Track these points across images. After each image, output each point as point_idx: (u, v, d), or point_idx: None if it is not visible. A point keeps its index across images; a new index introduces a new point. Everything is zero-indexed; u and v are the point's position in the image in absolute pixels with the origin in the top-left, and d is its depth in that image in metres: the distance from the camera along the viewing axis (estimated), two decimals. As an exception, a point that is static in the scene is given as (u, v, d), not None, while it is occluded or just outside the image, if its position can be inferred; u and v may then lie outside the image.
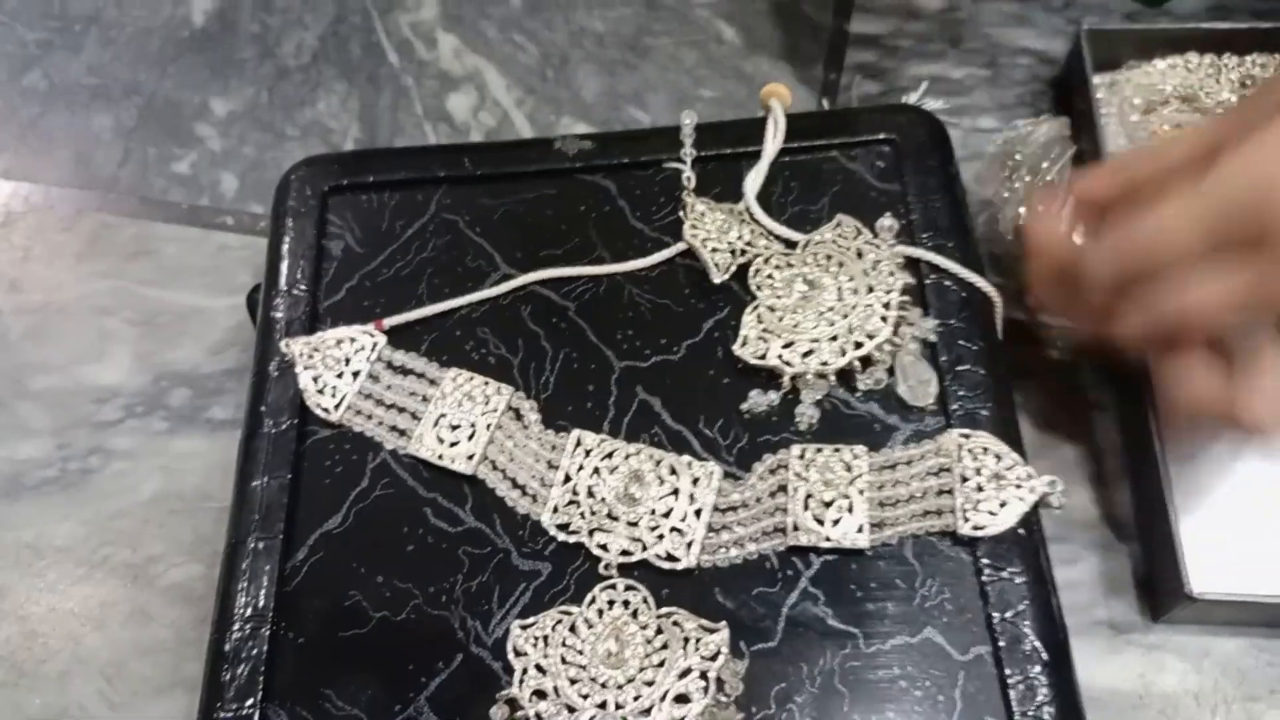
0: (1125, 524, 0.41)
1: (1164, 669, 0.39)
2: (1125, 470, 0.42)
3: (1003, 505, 0.34)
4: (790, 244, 0.40)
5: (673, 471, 0.36)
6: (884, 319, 0.38)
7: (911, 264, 0.39)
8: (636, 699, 0.32)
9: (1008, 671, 0.32)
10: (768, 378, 0.38)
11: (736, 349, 0.38)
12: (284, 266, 0.42)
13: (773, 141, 0.42)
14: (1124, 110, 0.49)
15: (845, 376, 0.37)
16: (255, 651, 0.35)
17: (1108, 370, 0.44)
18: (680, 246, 0.41)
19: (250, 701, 0.34)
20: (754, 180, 0.41)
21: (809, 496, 0.35)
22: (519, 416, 0.38)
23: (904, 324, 0.38)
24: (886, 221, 0.40)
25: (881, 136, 0.43)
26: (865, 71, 0.54)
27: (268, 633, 0.35)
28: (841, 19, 0.56)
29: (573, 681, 0.33)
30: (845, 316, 0.38)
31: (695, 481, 0.36)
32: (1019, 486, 0.34)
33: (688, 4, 0.58)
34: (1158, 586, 0.39)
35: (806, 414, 0.37)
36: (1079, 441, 0.43)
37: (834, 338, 0.37)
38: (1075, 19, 0.53)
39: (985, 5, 0.55)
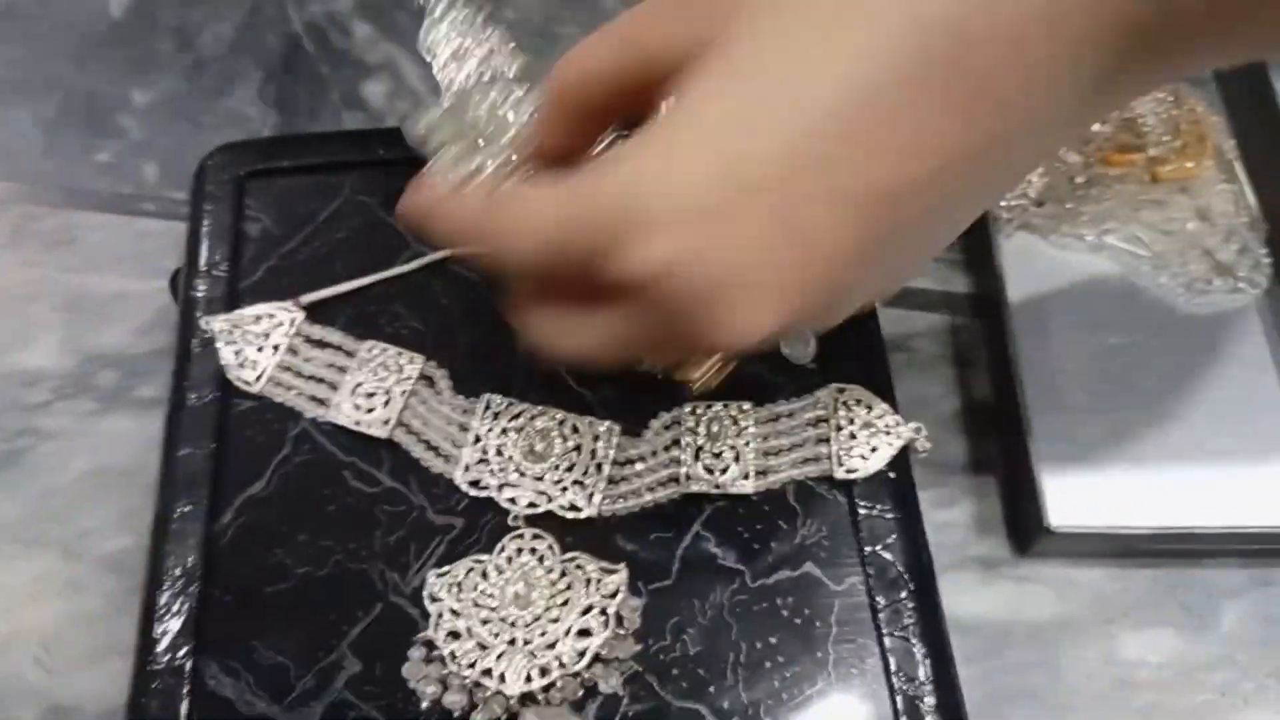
0: (995, 469, 0.45)
1: (1031, 599, 0.43)
2: (995, 421, 0.46)
3: (873, 450, 0.38)
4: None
5: (575, 430, 0.39)
6: (767, 285, 0.41)
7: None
8: (543, 635, 0.35)
9: (877, 598, 0.36)
10: (662, 341, 0.41)
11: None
12: (203, 248, 0.44)
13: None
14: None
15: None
16: (186, 608, 0.37)
17: (980, 331, 0.48)
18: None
19: (183, 653, 0.36)
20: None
21: (700, 449, 0.38)
22: (432, 384, 0.41)
23: None
24: None
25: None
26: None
27: (196, 590, 0.37)
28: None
29: (484, 622, 0.36)
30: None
31: (596, 438, 0.39)
32: (888, 433, 0.38)
33: (594, -7, 0.60)
34: (1022, 523, 0.43)
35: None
36: (955, 396, 0.47)
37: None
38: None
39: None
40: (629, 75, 0.28)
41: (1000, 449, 0.45)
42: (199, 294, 0.43)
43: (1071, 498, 0.43)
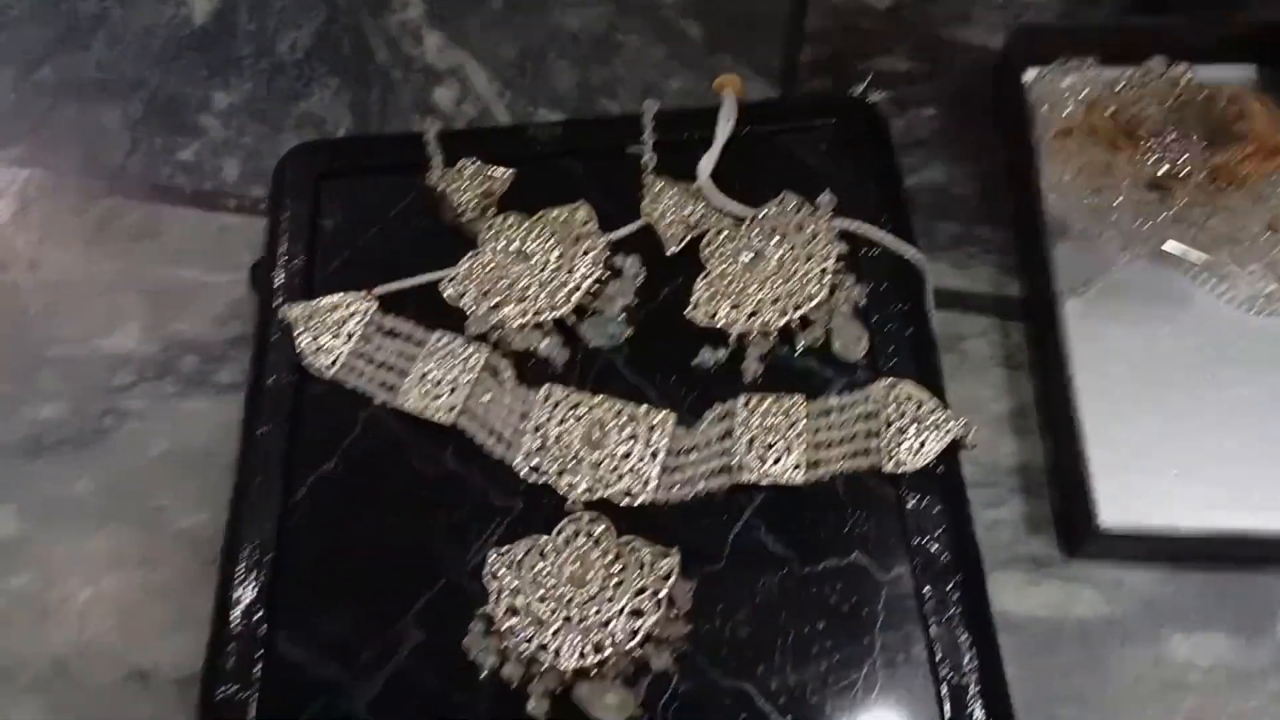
0: (1046, 470, 0.46)
1: (1080, 599, 0.43)
2: (1045, 422, 0.47)
3: (922, 444, 0.39)
4: (739, 219, 0.45)
5: (631, 419, 0.41)
6: (821, 284, 0.42)
7: (849, 236, 0.44)
8: (597, 613, 0.37)
9: (924, 589, 0.37)
10: (717, 337, 0.42)
11: (688, 312, 0.42)
12: (282, 241, 0.47)
13: (725, 126, 0.46)
14: (1056, 104, 0.53)
15: (786, 335, 0.42)
16: (260, 578, 0.39)
17: (1032, 334, 0.48)
18: (641, 222, 0.45)
19: (256, 619, 0.38)
20: (707, 162, 0.46)
21: (752, 440, 0.39)
22: (496, 373, 0.43)
23: (839, 289, 0.42)
24: (825, 198, 0.44)
25: (824, 123, 0.47)
26: (818, 65, 0.58)
27: (270, 562, 0.39)
28: (798, 17, 0.60)
29: (541, 599, 0.37)
30: (786, 282, 0.42)
31: (652, 428, 0.40)
32: (937, 428, 0.39)
33: (655, 4, 0.62)
34: (1073, 524, 0.44)
35: (751, 367, 0.41)
36: (1007, 398, 0.48)
37: (775, 300, 0.42)
38: (1015, 15, 0.57)
39: (930, 3, 0.60)
40: None
41: (1051, 450, 0.46)
42: (278, 284, 0.45)
43: (1122, 499, 0.44)
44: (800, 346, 0.42)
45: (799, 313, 0.42)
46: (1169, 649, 0.42)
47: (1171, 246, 0.49)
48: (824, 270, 0.42)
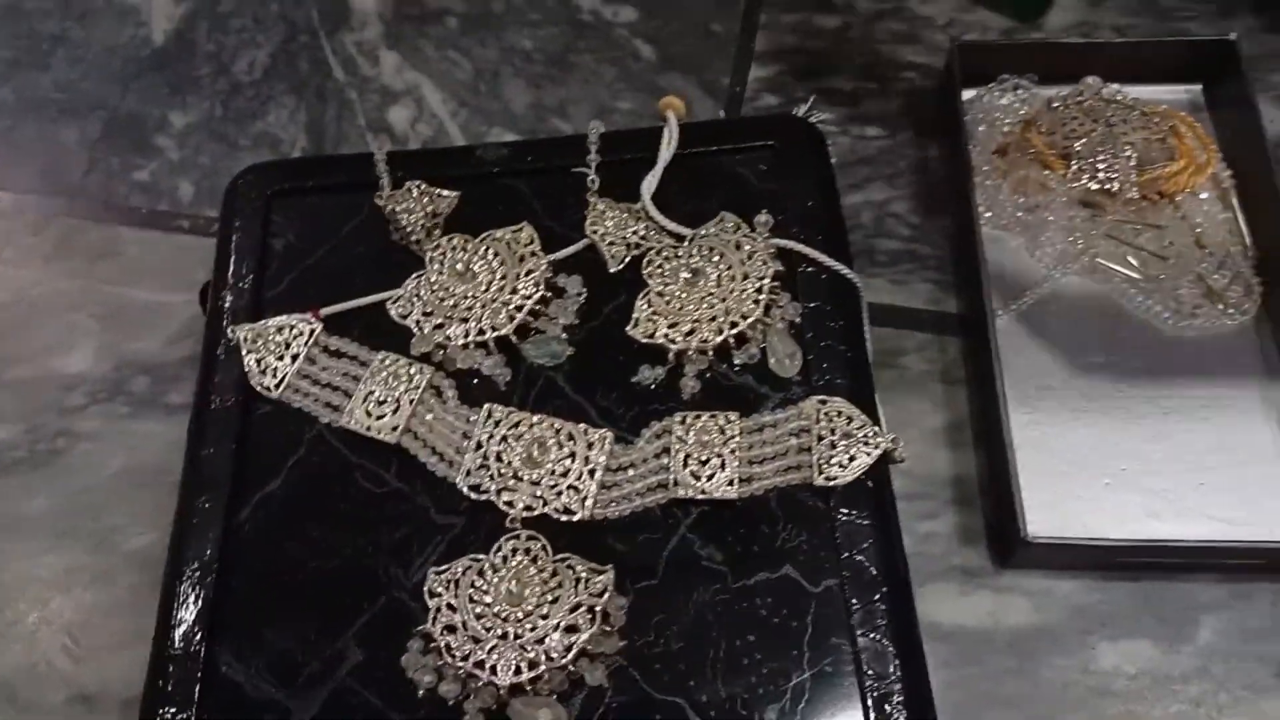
0: (978, 483, 0.47)
1: (1011, 608, 0.45)
2: (978, 435, 0.48)
3: (851, 459, 0.39)
4: (679, 238, 0.45)
5: (570, 438, 0.41)
6: (756, 302, 0.43)
7: (786, 254, 0.45)
8: (532, 630, 0.37)
9: (851, 600, 0.38)
10: (656, 354, 0.43)
11: (629, 330, 0.43)
12: (232, 262, 0.47)
13: (667, 148, 0.47)
14: (993, 123, 0.55)
15: (723, 352, 0.43)
16: (203, 596, 0.39)
17: (966, 348, 0.50)
18: (584, 243, 0.46)
19: (198, 639, 0.39)
20: (650, 182, 0.47)
21: (688, 456, 0.40)
22: (439, 393, 0.43)
23: (774, 306, 0.43)
24: (762, 217, 0.45)
25: (765, 143, 0.48)
26: (767, 85, 0.59)
27: (213, 580, 0.40)
28: (747, 37, 0.61)
29: (478, 617, 0.38)
30: (723, 300, 0.43)
31: (590, 446, 0.41)
32: (866, 443, 0.40)
33: (609, 24, 0.63)
34: (1003, 535, 0.45)
35: (689, 385, 0.42)
36: (942, 412, 0.49)
37: (713, 319, 0.43)
38: (955, 36, 0.59)
39: (875, 24, 0.61)
40: None
41: (983, 463, 0.47)
42: (226, 304, 0.46)
43: (1052, 510, 0.45)
44: (737, 364, 0.42)
45: (734, 330, 0.43)
46: (1096, 656, 0.43)
47: (1102, 262, 0.50)
48: (759, 288, 0.43)
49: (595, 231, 0.45)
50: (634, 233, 0.46)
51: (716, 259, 0.44)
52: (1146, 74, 0.55)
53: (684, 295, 0.44)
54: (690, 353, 0.43)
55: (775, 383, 0.42)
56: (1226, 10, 0.58)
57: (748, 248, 0.44)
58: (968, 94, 0.55)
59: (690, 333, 0.43)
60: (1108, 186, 0.50)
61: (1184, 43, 0.55)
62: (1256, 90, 0.52)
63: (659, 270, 0.45)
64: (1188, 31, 0.57)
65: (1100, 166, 0.51)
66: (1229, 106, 0.53)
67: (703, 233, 0.45)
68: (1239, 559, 0.44)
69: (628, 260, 0.45)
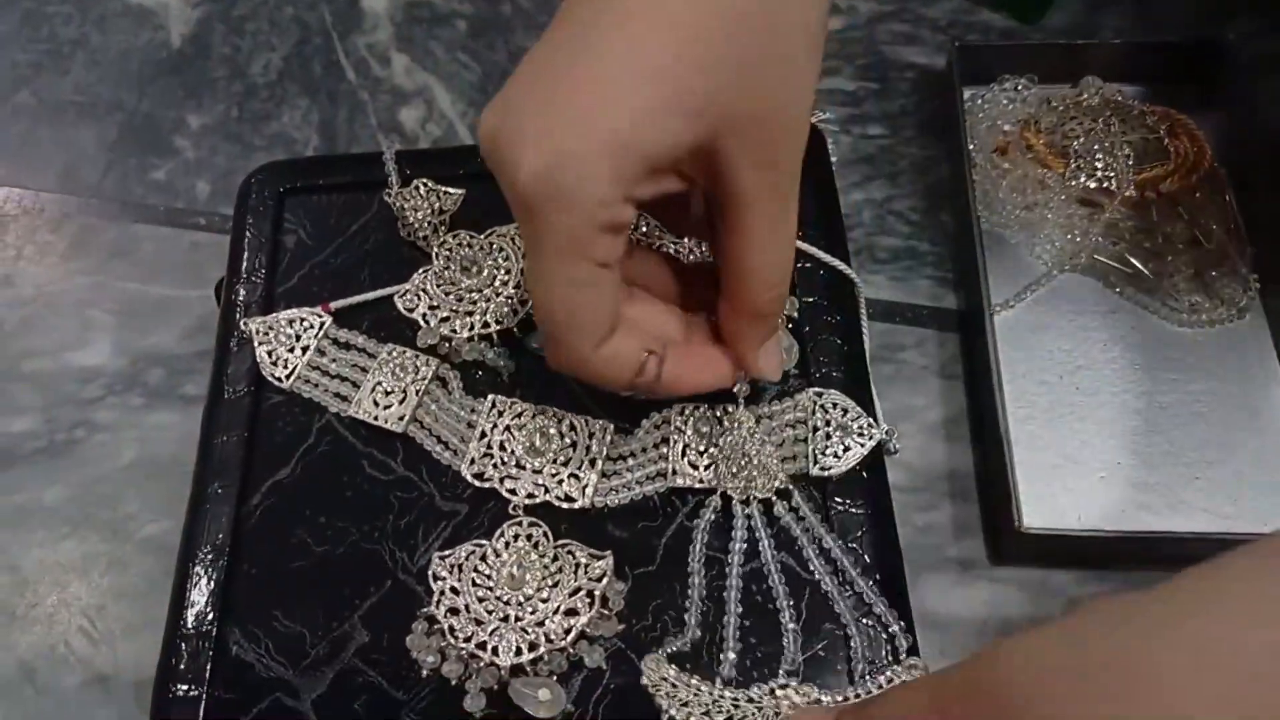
0: (975, 476, 0.48)
1: (1005, 600, 0.45)
2: (975, 431, 0.48)
3: (846, 449, 0.40)
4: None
5: (572, 428, 0.42)
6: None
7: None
8: (533, 613, 0.38)
9: (845, 588, 0.38)
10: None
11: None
12: (245, 257, 0.48)
13: (669, 146, 0.48)
14: (994, 124, 0.55)
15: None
16: (214, 580, 0.41)
17: (964, 346, 0.50)
18: (587, 237, 0.47)
19: (209, 620, 0.40)
20: (650, 180, 0.47)
21: (686, 446, 0.41)
22: (444, 384, 0.44)
23: None
24: None
25: (765, 142, 0.49)
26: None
27: (224, 565, 0.41)
28: (750, 39, 0.62)
29: (481, 600, 0.39)
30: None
31: (591, 435, 0.42)
32: (861, 434, 0.41)
33: (615, 26, 0.64)
34: (999, 527, 0.46)
35: None
36: (940, 406, 0.49)
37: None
38: (957, 37, 0.59)
39: (878, 25, 0.62)
40: None
41: (980, 456, 0.48)
42: (239, 298, 0.47)
43: (1047, 503, 0.46)
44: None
45: (732, 324, 0.43)
46: (1091, 647, 0.44)
47: (1100, 260, 0.51)
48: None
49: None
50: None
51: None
52: (1145, 74, 0.56)
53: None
54: (690, 345, 0.43)
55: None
56: (1225, 11, 0.59)
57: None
58: (968, 94, 0.55)
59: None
60: (1105, 185, 0.51)
61: (1181, 43, 0.56)
62: (1254, 90, 0.53)
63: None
64: (1185, 31, 0.58)
65: (1098, 165, 0.51)
66: (1227, 106, 0.54)
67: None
68: (1232, 551, 0.44)
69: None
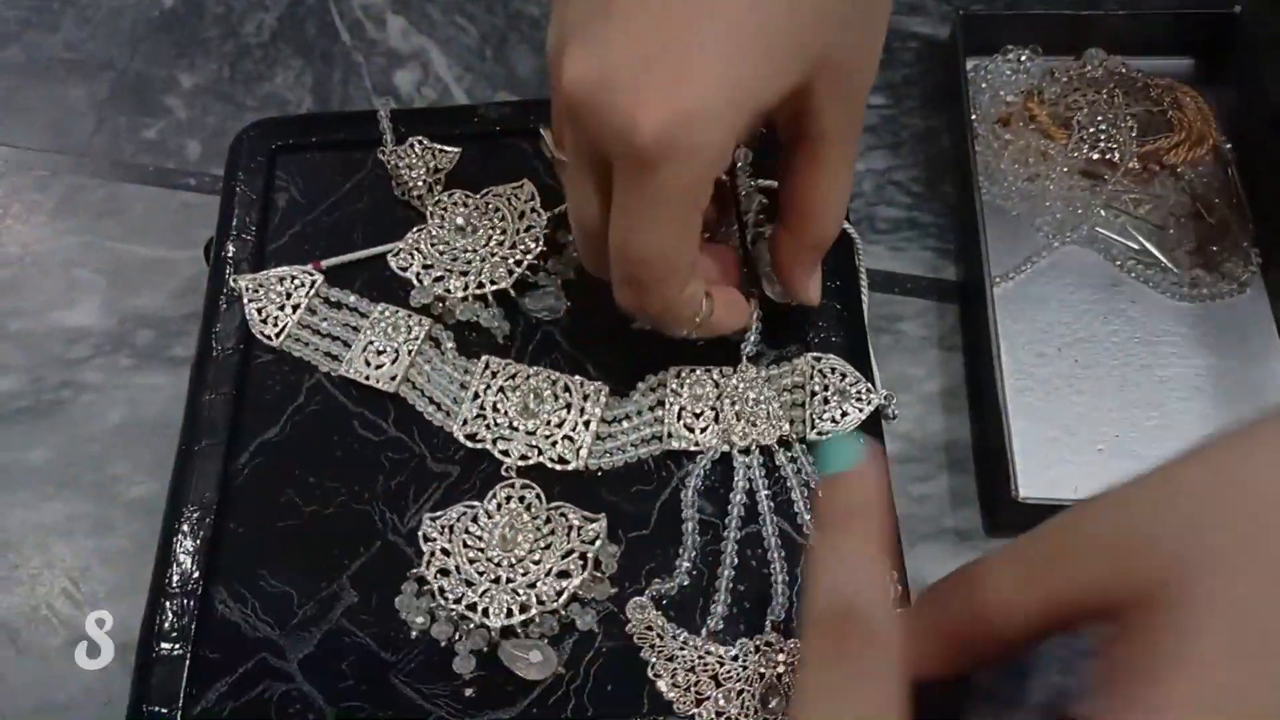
0: (973, 448, 0.47)
1: (1001, 570, 0.45)
2: (973, 402, 0.48)
3: (844, 414, 0.40)
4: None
5: (566, 389, 0.42)
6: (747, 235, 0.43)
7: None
8: (524, 575, 0.38)
9: (841, 552, 0.38)
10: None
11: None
12: (235, 214, 0.48)
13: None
14: (997, 94, 0.55)
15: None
16: (201, 538, 0.40)
17: (963, 317, 0.50)
18: (584, 199, 0.46)
19: (195, 578, 0.39)
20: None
21: (682, 409, 0.41)
22: (437, 344, 0.44)
23: (760, 238, 0.43)
24: (740, 153, 0.45)
25: (766, 106, 0.48)
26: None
27: (211, 522, 0.40)
28: (752, 6, 0.61)
29: (471, 561, 0.38)
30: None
31: (585, 398, 0.42)
32: (859, 399, 0.40)
33: (614, -9, 0.63)
34: (996, 498, 0.45)
35: None
36: (939, 377, 0.49)
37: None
38: (961, 6, 0.59)
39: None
40: (1033, 609, 0.30)
41: (977, 427, 0.47)
42: (229, 255, 0.47)
43: (1044, 474, 0.45)
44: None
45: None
46: (1086, 618, 0.43)
47: (1102, 232, 0.50)
48: (746, 222, 0.44)
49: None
50: None
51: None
52: (1150, 46, 0.55)
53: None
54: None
55: (771, 339, 0.42)
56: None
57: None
58: (971, 64, 0.55)
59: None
60: (1108, 156, 0.51)
61: (1187, 15, 0.55)
62: (1259, 63, 0.52)
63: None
64: (1192, 3, 0.57)
65: (1101, 137, 0.51)
66: (1232, 79, 0.53)
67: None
68: (1230, 525, 0.44)
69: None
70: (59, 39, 0.65)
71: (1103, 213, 0.50)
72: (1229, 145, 0.52)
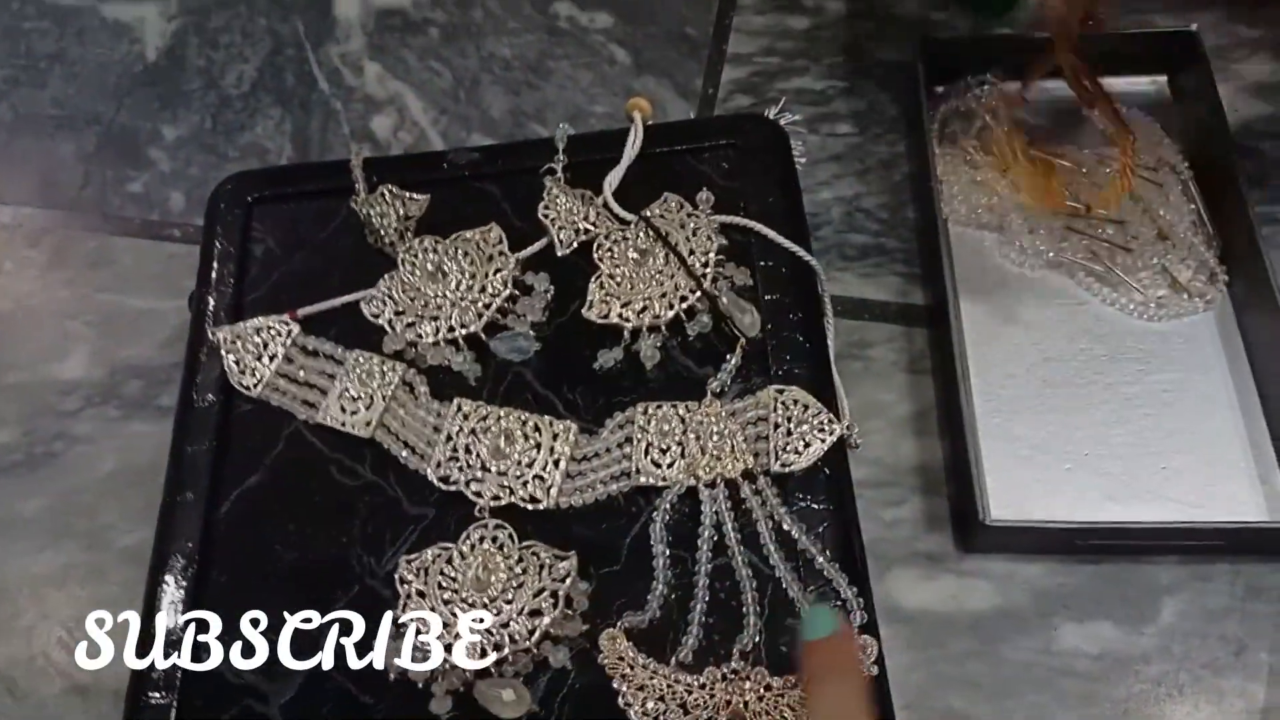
0: (944, 470, 0.48)
1: (973, 591, 0.45)
2: (943, 424, 0.49)
3: (807, 445, 0.41)
4: (627, 222, 0.47)
5: (536, 429, 0.43)
6: (703, 274, 0.44)
7: (743, 253, 0.46)
8: (498, 614, 0.39)
9: (807, 581, 0.39)
10: (613, 337, 0.44)
11: (584, 311, 0.45)
12: (214, 267, 0.49)
13: (632, 147, 0.49)
14: (957, 119, 0.56)
15: (676, 327, 0.44)
16: (185, 586, 0.41)
17: (931, 341, 0.51)
18: (546, 240, 0.47)
19: (180, 626, 0.40)
20: (612, 178, 0.48)
21: (649, 445, 0.42)
22: (411, 389, 0.45)
23: (720, 277, 0.44)
24: (703, 194, 0.47)
25: (728, 142, 0.49)
26: (739, 86, 0.61)
27: (194, 573, 0.41)
28: (719, 41, 0.62)
29: (446, 603, 0.39)
30: (671, 277, 0.45)
31: (555, 437, 0.42)
32: (821, 430, 0.41)
33: (585, 30, 0.65)
34: (966, 519, 0.46)
35: (647, 354, 0.43)
36: (909, 401, 0.50)
37: (663, 295, 0.44)
38: (924, 34, 0.60)
39: (845, 24, 0.62)
40: None
41: (947, 450, 0.48)
42: (209, 308, 0.48)
43: (1015, 495, 0.46)
44: (691, 335, 0.44)
45: (684, 304, 0.44)
46: (1058, 637, 0.44)
47: (1066, 256, 0.51)
48: (705, 261, 0.45)
49: (547, 216, 0.47)
50: (584, 218, 0.47)
51: (663, 239, 0.46)
52: (1112, 65, 0.55)
53: (634, 275, 0.45)
54: (643, 329, 0.44)
55: (736, 374, 0.43)
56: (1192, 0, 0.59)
57: (692, 225, 0.46)
58: (937, 90, 0.56)
59: (643, 310, 0.44)
60: (1070, 187, 0.51)
61: (1148, 34, 0.56)
62: (1219, 80, 0.53)
63: (609, 254, 0.46)
64: (1153, 23, 0.58)
65: (1065, 162, 0.52)
66: (1192, 97, 0.54)
67: (647, 214, 0.47)
68: (1199, 540, 0.44)
69: (575, 245, 0.47)
70: (47, 95, 0.67)
71: (1067, 235, 0.51)
72: (1188, 163, 0.52)
